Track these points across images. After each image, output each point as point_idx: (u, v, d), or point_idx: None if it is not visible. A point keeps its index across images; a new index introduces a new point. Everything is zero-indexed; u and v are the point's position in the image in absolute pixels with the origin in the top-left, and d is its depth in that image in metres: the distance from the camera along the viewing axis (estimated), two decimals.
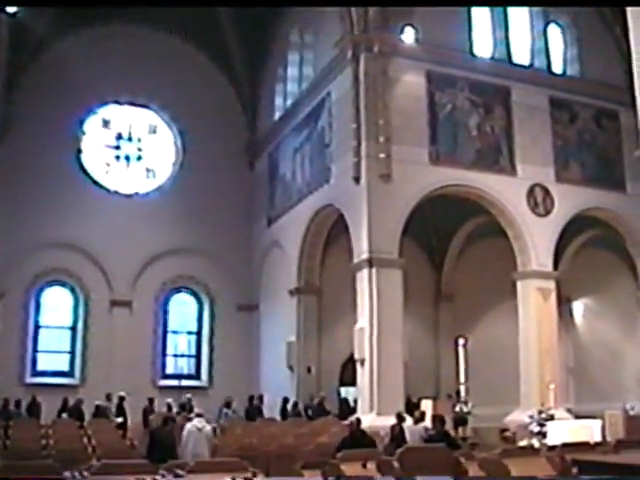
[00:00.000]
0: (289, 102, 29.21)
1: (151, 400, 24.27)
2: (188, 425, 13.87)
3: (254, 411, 24.23)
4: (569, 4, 23.23)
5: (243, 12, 29.35)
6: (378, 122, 22.29)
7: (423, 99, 23.47)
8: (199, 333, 31.63)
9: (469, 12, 25.12)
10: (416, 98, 23.36)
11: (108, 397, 22.99)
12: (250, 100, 32.50)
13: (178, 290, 31.49)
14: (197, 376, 31.05)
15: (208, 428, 14.22)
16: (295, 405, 24.70)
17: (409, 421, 16.16)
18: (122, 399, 22.96)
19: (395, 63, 23.01)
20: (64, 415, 22.54)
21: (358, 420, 11.63)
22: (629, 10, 14.06)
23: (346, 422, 11.49)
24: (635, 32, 14.01)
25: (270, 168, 30.35)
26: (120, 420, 22.04)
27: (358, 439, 11.27)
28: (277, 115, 30.28)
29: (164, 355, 30.82)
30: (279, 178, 29.26)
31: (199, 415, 14.25)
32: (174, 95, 31.09)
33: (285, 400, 24.85)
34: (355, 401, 24.00)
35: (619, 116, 26.29)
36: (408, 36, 23.36)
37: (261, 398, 25.18)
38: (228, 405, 23.83)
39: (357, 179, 22.42)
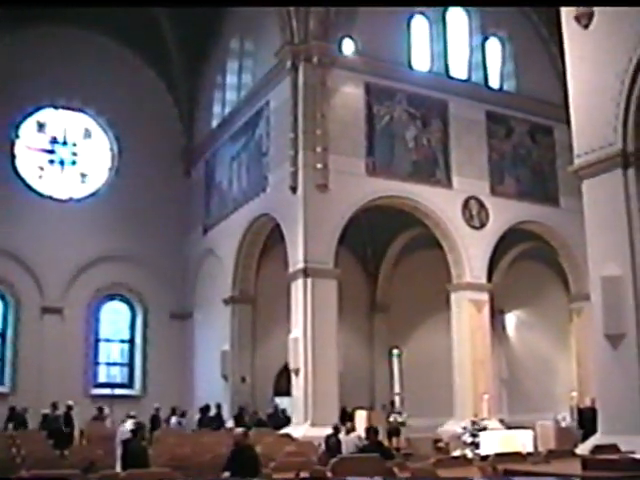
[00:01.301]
0: (227, 110, 29.04)
1: (100, 409, 23.79)
2: (121, 427, 13.73)
3: (208, 420, 23.65)
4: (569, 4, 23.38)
5: (183, 17, 29.09)
6: (316, 132, 22.27)
7: (361, 110, 23.52)
8: (132, 341, 31.19)
9: (408, 25, 25.28)
10: (354, 109, 23.40)
11: (54, 406, 22.35)
12: (188, 107, 32.20)
13: (111, 297, 31.01)
14: (130, 385, 30.60)
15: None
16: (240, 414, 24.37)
17: (344, 432, 16.18)
18: (70, 408, 22.33)
19: (334, 74, 23.03)
20: (10, 425, 21.97)
21: (245, 433, 11.40)
22: (565, 28, 14.29)
23: (236, 434, 11.20)
24: (571, 50, 14.26)
25: (207, 176, 30.12)
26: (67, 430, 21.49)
27: (244, 453, 10.98)
28: (215, 122, 30.07)
29: (96, 363, 30.28)
30: (215, 186, 29.03)
31: (131, 417, 14.13)
32: (111, 100, 30.70)
33: (206, 409, 24.49)
34: (284, 411, 23.96)
35: (553, 131, 26.71)
36: (348, 48, 23.40)
37: (219, 407, 24.68)
38: (174, 412, 23.50)
39: (294, 189, 22.35)
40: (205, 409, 24.15)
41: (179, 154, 32.11)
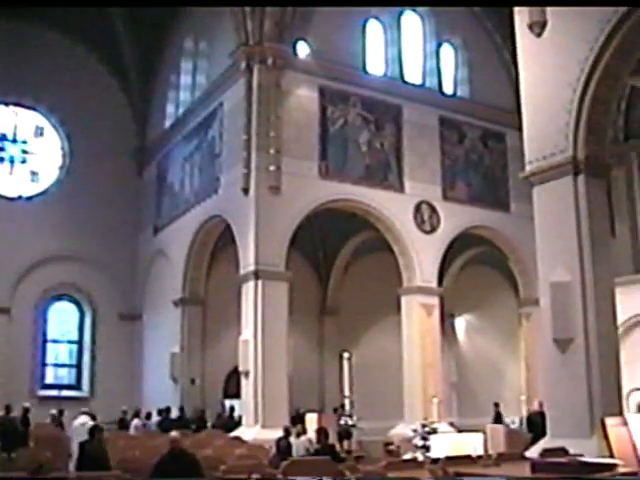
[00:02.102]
0: (181, 110, 28.85)
1: (61, 411, 23.39)
2: (74, 422, 13.66)
3: (169, 423, 23.31)
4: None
5: (137, 15, 28.86)
6: (269, 134, 22.20)
7: (315, 113, 23.52)
8: (80, 342, 30.80)
9: (363, 29, 25.36)
10: (308, 112, 23.39)
11: (7, 408, 21.87)
12: (141, 106, 31.92)
13: (59, 298, 30.60)
14: (78, 386, 30.22)
15: (90, 424, 14.18)
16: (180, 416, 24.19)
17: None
18: (27, 410, 21.95)
19: (289, 76, 23.00)
20: None
21: (176, 438, 11.17)
22: (518, 36, 14.45)
23: (172, 438, 10.98)
24: (523, 57, 14.41)
25: (159, 176, 29.90)
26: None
27: (178, 458, 10.77)
28: (168, 123, 29.84)
29: (44, 364, 29.85)
30: (167, 187, 28.83)
31: (85, 413, 14.08)
32: (63, 98, 30.31)
33: (167, 410, 24.33)
34: (232, 409, 23.85)
35: (505, 138, 26.96)
36: (302, 50, 23.40)
37: (182, 409, 24.42)
38: (137, 415, 23.24)
39: (246, 190, 22.26)
40: (166, 411, 24.00)
41: (131, 154, 31.82)
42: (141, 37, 30.07)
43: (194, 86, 28.38)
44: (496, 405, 25.29)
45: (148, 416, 23.59)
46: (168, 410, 23.97)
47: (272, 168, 22.03)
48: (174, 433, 11.39)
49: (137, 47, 30.53)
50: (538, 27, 13.77)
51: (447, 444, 9.84)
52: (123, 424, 23.22)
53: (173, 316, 26.74)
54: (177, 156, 28.05)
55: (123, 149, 31.39)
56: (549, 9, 13.65)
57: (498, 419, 24.38)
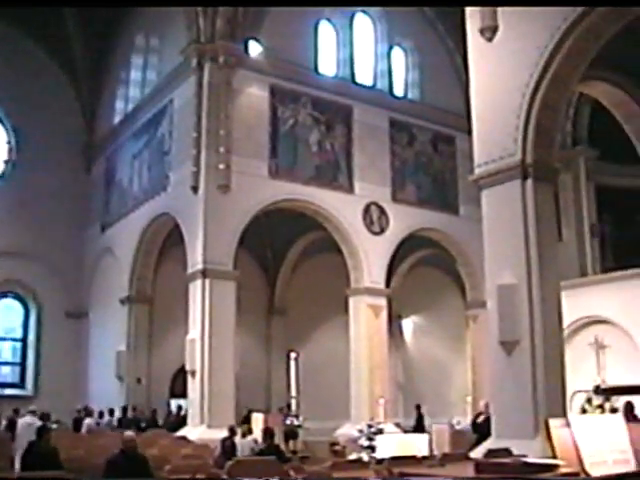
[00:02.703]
0: (130, 106, 28.58)
1: (16, 410, 22.98)
2: (20, 420, 13.51)
3: (128, 421, 23.06)
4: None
5: (88, 10, 28.48)
6: (219, 132, 22.11)
7: (266, 112, 23.47)
8: (25, 340, 30.33)
9: (316, 30, 25.38)
10: (259, 111, 23.34)
11: None
12: (90, 101, 31.50)
13: (4, 295, 30.11)
14: (21, 385, 29.74)
15: (37, 424, 13.96)
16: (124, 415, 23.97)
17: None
18: None
19: (240, 75, 22.92)
20: None
21: (132, 437, 11.08)
22: (469, 40, 14.55)
23: (126, 438, 10.88)
24: (474, 62, 14.52)
25: (107, 172, 29.58)
26: None
27: (131, 458, 10.67)
28: (117, 119, 29.55)
29: None
30: (116, 183, 28.55)
31: (32, 412, 13.94)
32: (10, 90, 29.78)
33: (124, 410, 24.06)
34: (180, 409, 23.71)
35: (455, 141, 27.18)
36: (254, 49, 23.32)
37: (135, 409, 24.11)
38: (90, 414, 22.94)
39: (195, 189, 22.13)
40: (124, 410, 23.78)
41: (80, 149, 31.40)
42: (92, 31, 29.70)
43: (144, 82, 28.13)
44: (418, 407, 25.35)
45: (101, 415, 23.34)
46: (125, 409, 23.83)
47: (222, 167, 21.95)
48: (129, 432, 11.31)
49: (87, 41, 30.13)
50: (489, 32, 13.88)
51: (393, 444, 9.87)
52: (78, 424, 22.86)
53: (120, 314, 26.48)
54: (126, 152, 27.79)
55: (71, 144, 30.97)
56: (500, 14, 13.77)
57: (420, 421, 24.48)
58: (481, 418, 16.23)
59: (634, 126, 15.93)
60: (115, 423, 23.42)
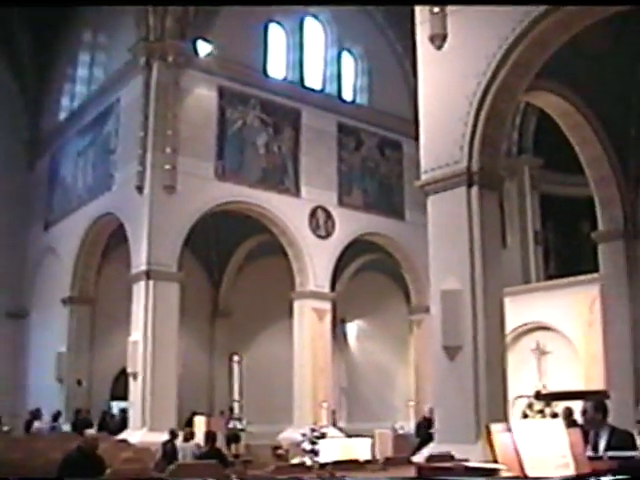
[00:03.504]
0: (76, 103, 28.20)
1: None
2: None
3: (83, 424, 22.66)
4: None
5: (33, 4, 28.02)
6: (166, 132, 21.92)
7: (213, 113, 23.37)
8: None
9: (265, 32, 25.34)
10: (207, 112, 23.23)
11: None
12: (35, 97, 30.93)
13: None
14: None
15: None
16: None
17: (182, 438, 16.00)
18: None
19: (188, 75, 22.78)
20: None
21: (93, 438, 10.98)
22: (419, 47, 14.64)
23: (87, 438, 10.75)
24: (423, 68, 14.61)
25: (51, 170, 29.11)
26: None
27: (87, 457, 10.56)
28: (63, 115, 29.13)
29: None
30: (60, 181, 28.12)
31: None
32: None
33: (78, 412, 23.68)
34: (124, 413, 23.43)
35: (402, 146, 27.33)
36: (204, 49, 23.17)
37: (88, 412, 23.73)
38: (36, 416, 22.55)
39: (140, 189, 21.91)
40: (77, 412, 23.43)
41: (23, 146, 30.80)
42: (37, 27, 29.18)
43: (91, 79, 27.78)
44: (333, 412, 25.34)
45: (55, 418, 22.99)
46: (79, 412, 23.48)
47: (168, 167, 21.78)
48: (91, 431, 11.18)
49: (33, 37, 29.55)
50: (439, 40, 13.97)
51: (336, 449, 9.85)
52: (29, 426, 22.46)
53: (61, 315, 26.08)
54: (71, 150, 27.41)
55: (14, 140, 30.33)
56: (450, 23, 13.87)
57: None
58: (424, 422, 16.34)
59: (578, 136, 16.15)
60: (63, 427, 23.08)
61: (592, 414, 8.24)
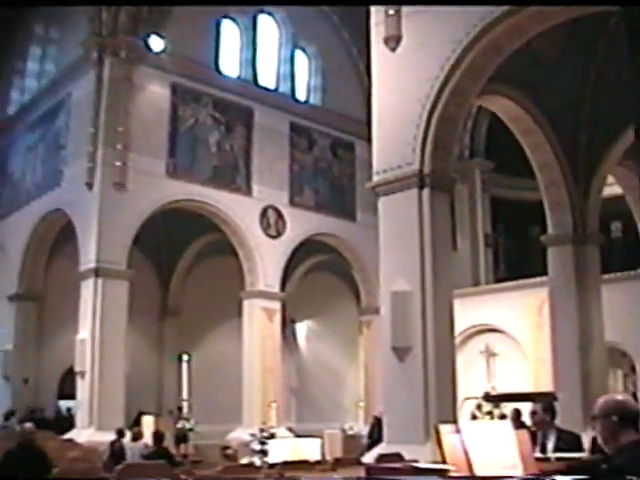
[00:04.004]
0: (27, 97, 27.78)
1: None
2: None
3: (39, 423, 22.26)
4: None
5: None
6: (117, 129, 21.73)
7: (166, 110, 23.23)
8: None
9: (218, 29, 25.23)
10: (159, 109, 23.07)
11: None
12: None
13: None
14: None
15: None
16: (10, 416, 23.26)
17: (129, 437, 15.87)
18: None
19: (141, 71, 22.61)
20: None
21: (30, 432, 10.83)
22: (373, 49, 14.66)
23: (25, 431, 10.62)
24: (377, 70, 14.63)
25: None
26: None
27: (27, 452, 10.44)
28: (12, 110, 28.69)
29: None
30: (8, 176, 27.65)
31: None
32: None
33: (33, 411, 23.32)
34: (69, 412, 23.20)
35: (355, 147, 27.41)
36: (157, 45, 22.98)
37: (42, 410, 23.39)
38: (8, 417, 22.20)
39: (90, 185, 21.68)
40: (32, 412, 23.07)
41: None
42: None
43: (42, 73, 27.39)
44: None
45: (7, 417, 22.63)
46: (33, 411, 23.22)
47: (118, 164, 21.60)
48: (29, 424, 10.99)
49: None
50: (393, 42, 13.99)
51: (285, 449, 9.83)
52: None
53: (7, 312, 25.67)
54: (20, 144, 27.00)
55: None
56: (404, 25, 13.91)
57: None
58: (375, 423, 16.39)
59: (530, 140, 16.29)
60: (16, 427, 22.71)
61: (541, 416, 8.34)
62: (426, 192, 13.50)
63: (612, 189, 19.07)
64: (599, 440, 4.45)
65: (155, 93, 23.05)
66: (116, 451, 15.20)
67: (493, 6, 12.50)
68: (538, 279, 19.99)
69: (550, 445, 8.11)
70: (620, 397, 4.65)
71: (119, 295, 21.48)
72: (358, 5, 22.68)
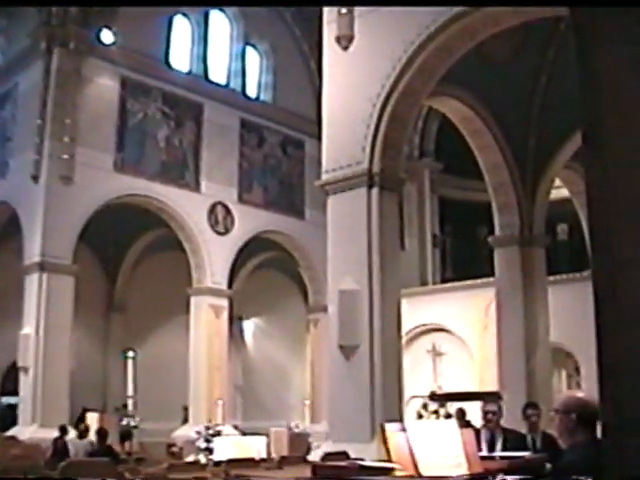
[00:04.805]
0: None
1: None
2: None
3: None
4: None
5: None
6: (65, 121, 21.44)
7: (114, 104, 22.99)
8: None
9: (170, 23, 25.03)
10: (107, 102, 22.82)
11: None
12: None
13: None
14: None
15: None
16: None
17: (73, 434, 15.71)
18: None
19: (90, 63, 22.33)
20: None
21: None
22: (325, 47, 14.66)
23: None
24: (329, 68, 14.64)
25: None
26: None
27: None
28: None
29: None
30: None
31: None
32: None
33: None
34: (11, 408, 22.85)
35: (304, 145, 27.41)
36: (107, 37, 22.73)
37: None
38: None
39: (36, 178, 21.37)
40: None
41: None
42: None
43: None
44: (185, 409, 24.61)
45: None
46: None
47: (65, 157, 21.30)
48: None
49: None
50: (345, 41, 13.98)
51: (231, 447, 9.79)
52: None
53: None
54: None
55: None
56: (357, 24, 13.91)
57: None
58: None
59: (479, 142, 16.43)
60: None
61: (497, 415, 8.47)
62: (375, 191, 13.52)
63: (559, 192, 19.30)
64: (554, 434, 4.52)
65: (104, 86, 22.79)
66: (59, 448, 15.01)
67: (445, 7, 12.57)
68: (485, 280, 20.18)
69: (499, 445, 8.22)
70: (582, 396, 4.70)
71: (64, 290, 21.19)
72: (311, 6, 22.75)
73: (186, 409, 24.48)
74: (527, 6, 12.44)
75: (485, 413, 8.58)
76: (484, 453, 7.77)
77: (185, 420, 24.06)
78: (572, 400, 4.44)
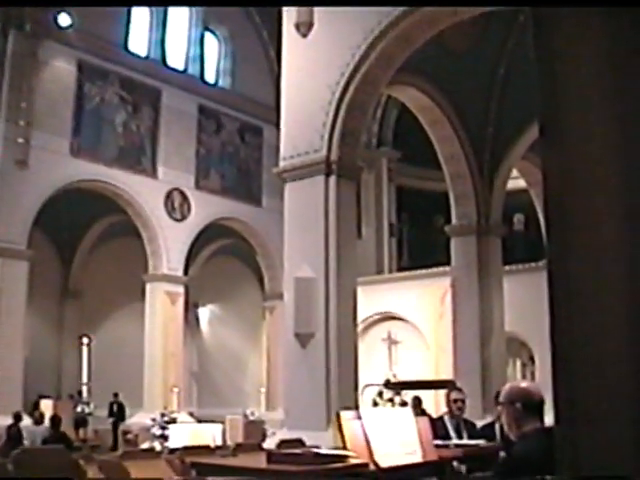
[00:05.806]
0: None
1: None
2: None
3: None
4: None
5: None
6: (20, 105, 21.16)
7: (71, 88, 22.74)
8: None
9: (129, 8, 24.77)
10: (64, 85, 22.56)
11: None
12: None
13: None
14: None
15: None
16: None
17: (28, 421, 15.58)
18: None
19: (47, 46, 22.04)
20: None
21: None
22: (285, 34, 14.61)
23: None
24: (288, 55, 14.59)
25: None
26: None
27: None
28: None
29: None
30: None
31: None
32: None
33: None
34: None
35: (263, 132, 27.35)
36: (64, 20, 22.42)
37: None
38: None
39: None
40: None
41: None
42: None
43: None
44: (115, 395, 23.86)
45: None
46: None
47: (20, 141, 21.05)
48: None
49: None
50: (304, 28, 13.96)
51: (186, 434, 9.78)
52: None
53: None
54: None
55: None
56: (317, 11, 13.89)
57: (120, 411, 23.34)
58: None
59: (437, 132, 16.50)
60: None
61: (465, 404, 8.64)
62: (332, 179, 13.52)
63: (516, 182, 19.46)
64: (505, 427, 4.56)
65: (61, 69, 22.53)
66: (13, 435, 14.87)
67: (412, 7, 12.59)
68: (441, 269, 20.30)
69: (465, 433, 8.36)
70: (525, 385, 4.76)
71: (18, 275, 20.96)
72: (276, 6, 22.67)
73: (116, 395, 24.01)
74: (490, 6, 12.54)
75: (454, 401, 8.67)
76: (455, 441, 7.91)
77: (119, 411, 23.67)
78: (515, 390, 4.49)
